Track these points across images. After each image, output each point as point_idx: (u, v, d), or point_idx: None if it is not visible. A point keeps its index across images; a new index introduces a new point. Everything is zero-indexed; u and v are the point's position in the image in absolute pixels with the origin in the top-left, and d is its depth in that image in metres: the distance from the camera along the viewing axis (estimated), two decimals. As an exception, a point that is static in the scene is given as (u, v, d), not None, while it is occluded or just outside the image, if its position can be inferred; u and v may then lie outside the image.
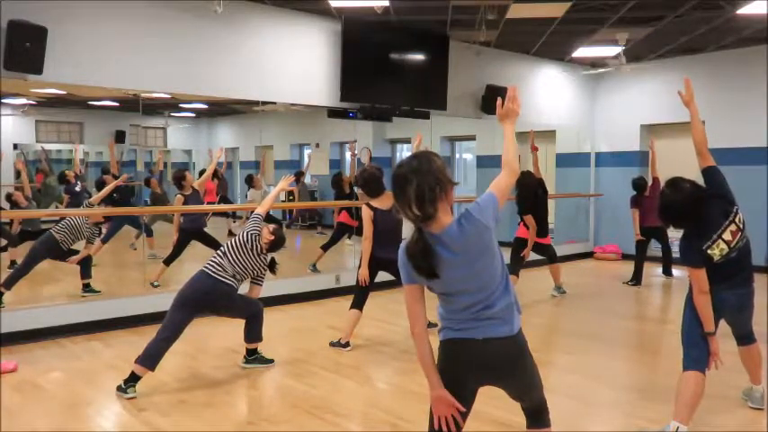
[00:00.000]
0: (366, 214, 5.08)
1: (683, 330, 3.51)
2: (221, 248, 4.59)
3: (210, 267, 4.45)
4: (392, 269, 5.22)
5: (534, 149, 7.61)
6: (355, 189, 8.41)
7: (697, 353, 3.40)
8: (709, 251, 3.35)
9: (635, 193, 8.13)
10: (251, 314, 4.69)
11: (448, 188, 2.17)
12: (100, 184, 7.65)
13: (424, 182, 2.11)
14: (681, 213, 3.38)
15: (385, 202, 5.12)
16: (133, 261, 8.53)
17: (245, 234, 4.57)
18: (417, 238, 2.14)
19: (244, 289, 4.70)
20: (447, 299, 2.25)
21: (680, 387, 3.39)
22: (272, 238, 4.54)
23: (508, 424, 3.60)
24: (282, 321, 6.30)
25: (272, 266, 4.74)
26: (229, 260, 4.47)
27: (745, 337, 3.78)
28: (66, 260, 6.55)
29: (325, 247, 8.22)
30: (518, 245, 6.97)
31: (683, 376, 3.40)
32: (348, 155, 9.33)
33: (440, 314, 2.31)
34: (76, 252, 6.59)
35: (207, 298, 4.41)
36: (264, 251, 4.57)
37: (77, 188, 8.22)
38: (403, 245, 2.21)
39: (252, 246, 4.52)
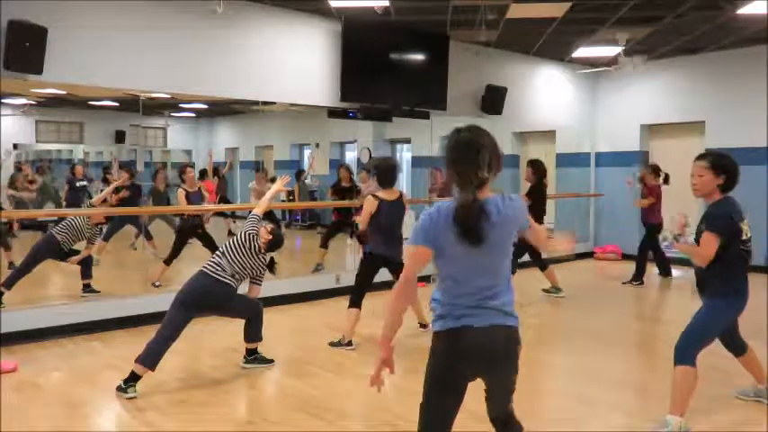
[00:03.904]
0: (369, 205, 5.12)
1: (690, 328, 3.51)
2: (220, 248, 4.59)
3: (210, 267, 4.45)
4: (392, 267, 5.26)
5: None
6: (364, 178, 8.31)
7: (691, 351, 3.44)
8: (741, 224, 3.45)
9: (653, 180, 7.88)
10: (251, 314, 4.69)
11: (500, 163, 2.32)
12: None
13: (491, 149, 2.27)
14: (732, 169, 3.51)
15: (391, 195, 5.20)
16: (133, 261, 8.52)
17: (243, 234, 4.57)
18: (473, 200, 2.18)
19: (243, 289, 4.71)
20: (457, 280, 2.25)
21: (674, 382, 3.44)
22: (270, 237, 4.54)
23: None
24: (282, 321, 6.30)
25: (271, 266, 4.74)
26: (228, 260, 4.48)
27: (737, 347, 3.83)
28: (67, 260, 6.54)
29: (325, 244, 8.18)
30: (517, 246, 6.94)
31: (675, 371, 3.45)
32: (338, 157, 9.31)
33: (439, 302, 2.30)
34: (77, 252, 6.58)
35: (206, 298, 4.42)
36: (263, 251, 4.58)
37: (78, 184, 8.22)
38: (450, 205, 2.20)
39: (250, 245, 4.52)
